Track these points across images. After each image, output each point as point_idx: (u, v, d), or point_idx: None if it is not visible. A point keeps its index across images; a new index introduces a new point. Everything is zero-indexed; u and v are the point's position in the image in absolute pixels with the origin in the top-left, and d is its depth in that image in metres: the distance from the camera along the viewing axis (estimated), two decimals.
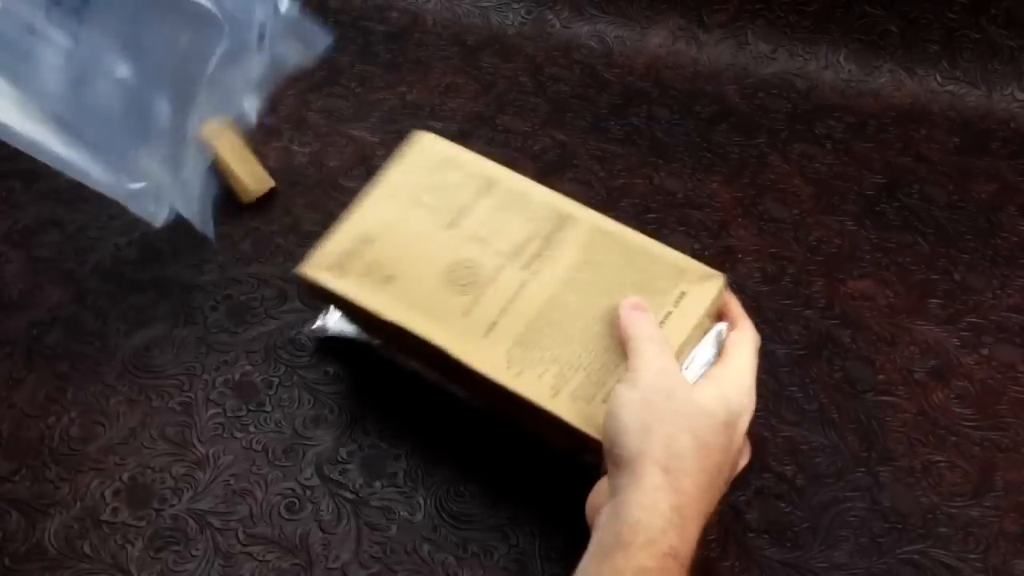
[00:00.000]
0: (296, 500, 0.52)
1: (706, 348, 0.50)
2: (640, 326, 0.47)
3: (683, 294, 0.50)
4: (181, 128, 0.53)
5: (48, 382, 0.56)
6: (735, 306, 0.50)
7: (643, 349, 0.46)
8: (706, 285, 0.50)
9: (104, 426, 0.55)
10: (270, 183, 0.68)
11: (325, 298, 0.54)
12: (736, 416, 0.44)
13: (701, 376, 0.48)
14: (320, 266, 0.52)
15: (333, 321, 0.58)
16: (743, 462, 0.47)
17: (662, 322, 0.49)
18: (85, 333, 0.59)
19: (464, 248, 0.52)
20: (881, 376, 0.60)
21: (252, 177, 0.67)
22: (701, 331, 0.50)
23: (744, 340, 0.48)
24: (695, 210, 0.70)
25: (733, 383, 0.46)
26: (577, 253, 0.52)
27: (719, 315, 0.51)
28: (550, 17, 0.84)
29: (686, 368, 0.49)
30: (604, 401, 0.47)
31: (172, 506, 0.51)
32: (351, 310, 0.53)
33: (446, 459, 0.54)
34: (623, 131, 0.76)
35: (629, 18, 0.84)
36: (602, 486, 0.45)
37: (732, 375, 0.46)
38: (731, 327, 0.49)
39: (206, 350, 0.59)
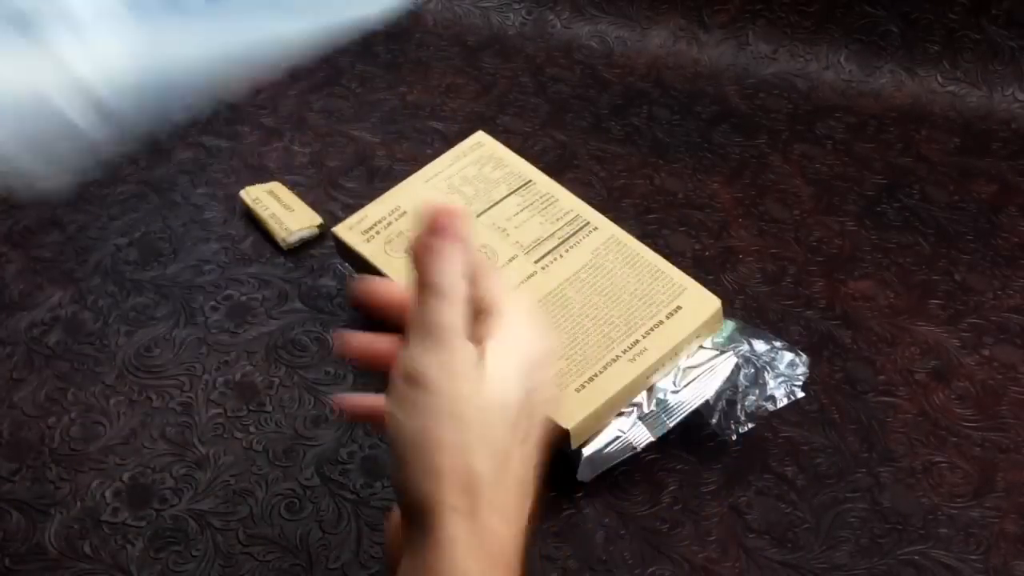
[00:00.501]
0: (296, 500, 0.51)
1: (713, 378, 0.52)
2: (429, 270, 0.34)
3: (678, 308, 0.53)
4: None
5: (48, 382, 0.56)
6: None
7: (418, 354, 0.33)
8: (702, 306, 0.53)
9: (104, 426, 0.55)
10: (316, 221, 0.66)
11: (351, 258, 0.58)
12: (538, 367, 0.35)
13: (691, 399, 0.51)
14: (352, 229, 0.57)
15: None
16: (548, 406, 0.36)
17: (652, 329, 0.52)
18: (85, 333, 0.59)
19: (485, 235, 0.56)
20: (882, 377, 0.60)
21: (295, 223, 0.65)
22: (691, 349, 0.53)
23: (501, 286, 0.36)
24: (696, 210, 0.70)
25: (516, 333, 0.34)
26: (587, 257, 0.55)
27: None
28: (551, 17, 0.84)
29: (675, 385, 0.52)
30: (577, 391, 0.50)
31: (172, 506, 0.51)
32: (370, 272, 0.57)
33: None
34: (624, 131, 0.76)
35: (630, 18, 0.84)
36: (397, 519, 0.36)
37: (510, 323, 0.34)
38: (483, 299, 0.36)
39: (206, 350, 0.59)
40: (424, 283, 0.34)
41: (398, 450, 0.33)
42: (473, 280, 0.35)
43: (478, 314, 0.35)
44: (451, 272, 0.34)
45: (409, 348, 0.34)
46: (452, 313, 0.33)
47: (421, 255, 0.35)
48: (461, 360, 0.33)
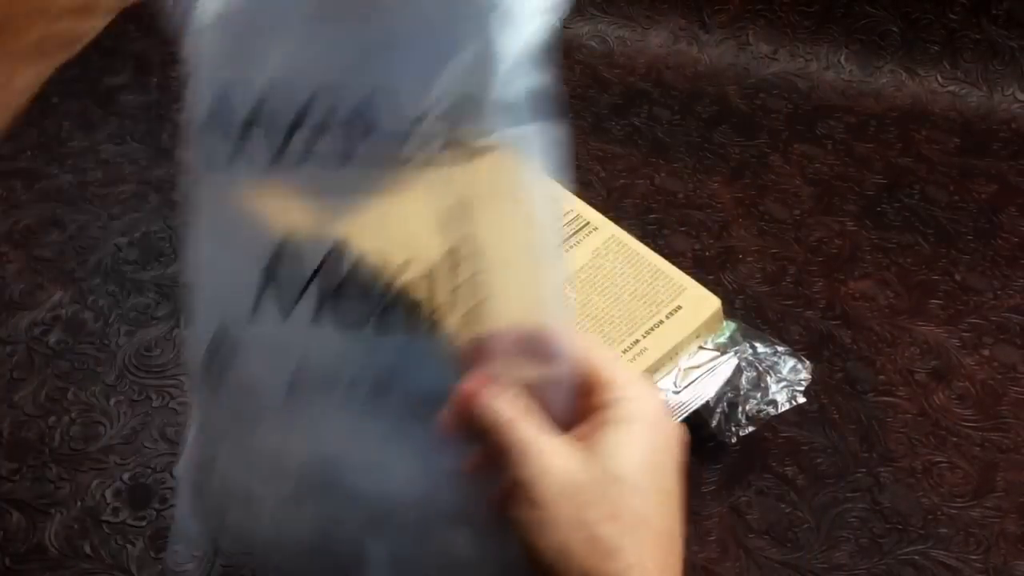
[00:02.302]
0: None
1: (713, 379, 0.52)
2: (505, 410, 0.37)
3: (678, 308, 0.53)
4: None
5: (49, 382, 0.56)
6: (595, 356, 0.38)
7: (522, 449, 0.35)
8: (702, 305, 0.53)
9: (105, 426, 0.55)
10: None
11: None
12: (672, 446, 0.37)
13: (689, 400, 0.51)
14: None
15: None
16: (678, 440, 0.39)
17: (652, 329, 0.52)
18: (86, 333, 0.59)
19: None
20: (882, 377, 0.60)
21: None
22: (691, 349, 0.53)
23: (613, 363, 0.38)
24: (696, 210, 0.70)
25: (648, 414, 0.37)
26: (587, 257, 0.55)
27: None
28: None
29: (675, 386, 0.52)
30: None
31: (173, 506, 0.51)
32: None
33: None
34: (624, 131, 0.76)
35: (630, 18, 0.84)
36: None
37: (642, 407, 0.37)
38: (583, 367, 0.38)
39: None
40: (482, 427, 0.36)
41: (541, 547, 0.34)
42: (586, 361, 0.37)
43: (592, 392, 0.37)
44: (494, 408, 0.36)
45: (514, 473, 0.35)
46: (522, 431, 0.35)
47: (467, 409, 0.37)
48: (559, 457, 0.35)
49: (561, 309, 0.38)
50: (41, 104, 0.76)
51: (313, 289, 0.38)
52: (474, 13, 0.36)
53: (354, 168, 0.38)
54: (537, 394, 0.38)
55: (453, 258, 0.40)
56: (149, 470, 0.53)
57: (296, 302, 0.38)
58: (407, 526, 0.40)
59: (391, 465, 0.40)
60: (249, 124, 0.38)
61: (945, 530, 0.52)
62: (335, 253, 0.38)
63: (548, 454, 0.35)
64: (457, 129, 0.37)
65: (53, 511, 0.51)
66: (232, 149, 0.38)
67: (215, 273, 0.40)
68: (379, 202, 0.39)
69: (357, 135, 0.37)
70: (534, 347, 0.38)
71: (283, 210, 0.38)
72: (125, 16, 0.93)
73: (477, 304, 0.39)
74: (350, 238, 0.39)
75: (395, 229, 0.39)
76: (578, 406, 0.38)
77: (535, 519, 0.35)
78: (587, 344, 0.39)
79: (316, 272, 0.38)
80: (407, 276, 0.39)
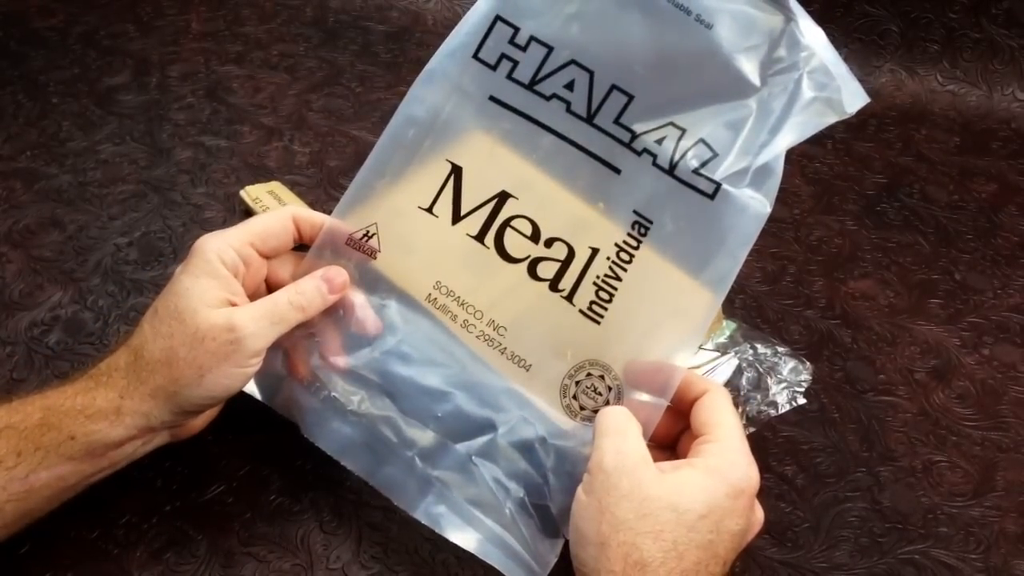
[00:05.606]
0: (297, 500, 0.51)
1: (714, 379, 0.52)
2: (607, 420, 0.42)
3: None
4: None
5: (49, 382, 0.56)
6: (694, 376, 0.44)
7: (602, 444, 0.40)
8: None
9: None
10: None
11: None
12: (736, 495, 0.39)
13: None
14: None
15: None
16: (756, 529, 0.42)
17: None
18: (86, 333, 0.59)
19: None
20: (882, 376, 0.60)
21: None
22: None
23: (719, 403, 0.42)
24: None
25: (725, 459, 0.40)
26: None
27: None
28: None
29: None
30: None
31: (173, 507, 0.51)
32: None
33: None
34: None
35: None
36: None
37: (722, 450, 0.40)
38: (691, 392, 0.43)
39: None
40: (604, 431, 0.41)
41: (581, 526, 0.39)
42: (695, 400, 0.42)
43: (695, 432, 0.42)
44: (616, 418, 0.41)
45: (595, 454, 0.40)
46: (631, 441, 0.40)
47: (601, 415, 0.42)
48: (641, 464, 0.39)
49: (686, 353, 0.43)
50: (41, 104, 0.76)
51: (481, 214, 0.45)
52: (748, 87, 0.41)
53: (587, 130, 0.43)
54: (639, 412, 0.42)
55: (592, 257, 0.44)
56: (149, 470, 0.52)
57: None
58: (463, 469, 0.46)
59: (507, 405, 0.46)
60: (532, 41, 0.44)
61: (945, 529, 0.52)
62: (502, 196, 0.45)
63: (630, 455, 0.39)
64: (684, 158, 0.42)
65: (52, 512, 0.50)
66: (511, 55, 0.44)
67: None
68: (558, 180, 0.45)
69: (609, 104, 0.43)
70: (654, 376, 0.43)
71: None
72: (125, 16, 0.94)
73: (595, 304, 0.44)
74: (515, 194, 0.45)
75: (555, 207, 0.45)
76: (676, 431, 0.44)
77: (585, 503, 0.39)
78: (707, 388, 0.43)
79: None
80: (549, 249, 0.45)
